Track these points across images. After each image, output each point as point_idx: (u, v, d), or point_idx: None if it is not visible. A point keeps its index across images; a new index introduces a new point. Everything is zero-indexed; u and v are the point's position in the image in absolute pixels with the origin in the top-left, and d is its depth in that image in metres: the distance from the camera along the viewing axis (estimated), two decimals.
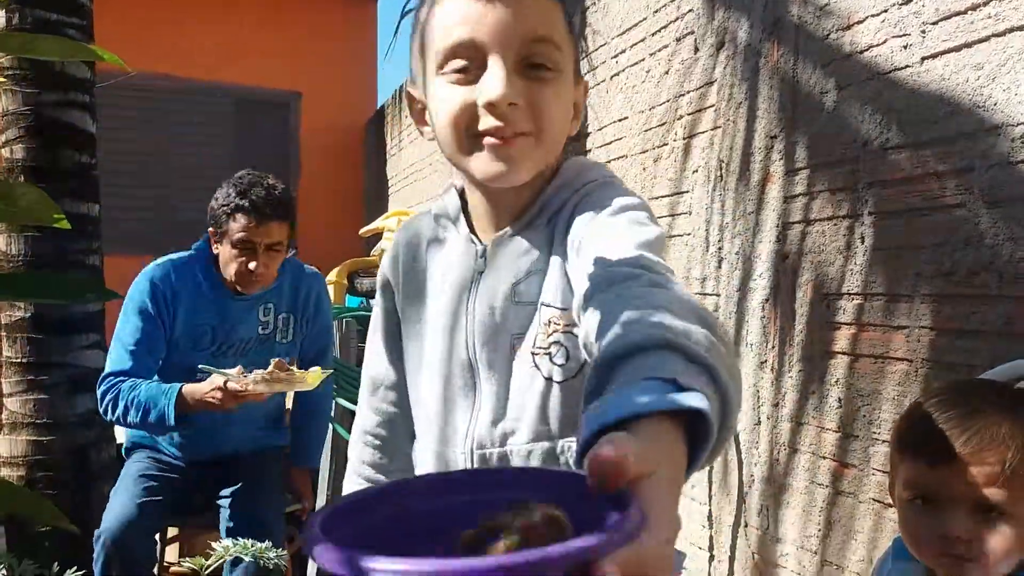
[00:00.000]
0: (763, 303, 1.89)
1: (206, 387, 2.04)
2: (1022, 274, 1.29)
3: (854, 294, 1.63)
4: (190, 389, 2.06)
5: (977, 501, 0.89)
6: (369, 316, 3.48)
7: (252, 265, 2.19)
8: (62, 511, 0.95)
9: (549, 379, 0.89)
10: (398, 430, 1.09)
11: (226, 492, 2.28)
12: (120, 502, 2.14)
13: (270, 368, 2.01)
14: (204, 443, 2.30)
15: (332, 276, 4.17)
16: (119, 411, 2.10)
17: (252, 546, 1.03)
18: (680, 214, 2.23)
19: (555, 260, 0.90)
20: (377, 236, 4.55)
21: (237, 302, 2.27)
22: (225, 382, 2.00)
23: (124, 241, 4.87)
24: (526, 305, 0.91)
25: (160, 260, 2.29)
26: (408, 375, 1.05)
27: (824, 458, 1.71)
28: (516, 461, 0.90)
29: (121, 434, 2.69)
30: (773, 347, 1.86)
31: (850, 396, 1.64)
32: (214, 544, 1.09)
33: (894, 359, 1.53)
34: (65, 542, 2.25)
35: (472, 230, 0.99)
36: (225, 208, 2.19)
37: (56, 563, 1.14)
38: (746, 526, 1.96)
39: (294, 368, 2.06)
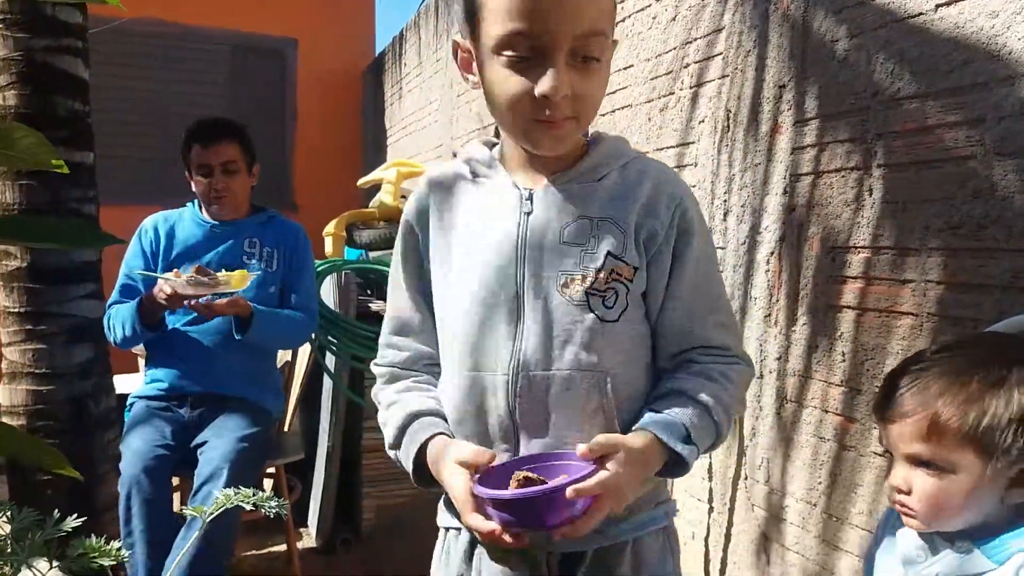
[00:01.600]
0: (769, 256, 1.87)
1: (155, 289, 2.34)
2: None
3: (861, 248, 1.61)
4: (147, 296, 2.38)
5: (909, 455, 0.97)
6: (368, 269, 3.48)
7: (212, 183, 2.53)
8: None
9: (600, 318, 1.01)
10: (425, 366, 1.17)
11: (203, 437, 2.43)
12: (136, 450, 2.32)
13: (189, 273, 2.29)
14: (196, 374, 2.52)
15: (331, 228, 4.13)
16: (112, 331, 2.45)
17: (254, 495, 1.03)
18: (686, 165, 2.20)
19: (611, 219, 1.03)
20: (376, 188, 4.50)
21: (221, 229, 2.60)
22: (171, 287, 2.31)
23: (119, 191, 4.81)
24: (571, 246, 1.03)
25: (157, 212, 2.69)
26: (437, 309, 1.13)
27: (827, 412, 1.71)
28: (557, 383, 1.02)
29: (121, 386, 2.72)
30: (777, 300, 1.85)
31: (855, 350, 1.63)
32: (215, 492, 1.09)
33: (900, 313, 1.52)
34: (66, 491, 2.27)
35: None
36: (184, 148, 2.57)
37: (56, 511, 1.14)
38: (746, 479, 1.97)
39: (217, 274, 2.31)
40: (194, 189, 2.62)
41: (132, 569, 2.19)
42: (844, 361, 1.66)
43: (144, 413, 2.48)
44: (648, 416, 1.00)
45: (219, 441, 2.34)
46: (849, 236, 1.64)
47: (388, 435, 1.14)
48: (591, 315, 1.01)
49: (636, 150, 1.11)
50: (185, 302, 2.30)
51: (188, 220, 2.64)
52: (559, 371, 1.02)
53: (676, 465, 1.00)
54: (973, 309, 1.38)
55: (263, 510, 1.12)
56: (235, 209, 2.61)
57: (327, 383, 3.21)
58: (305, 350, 3.04)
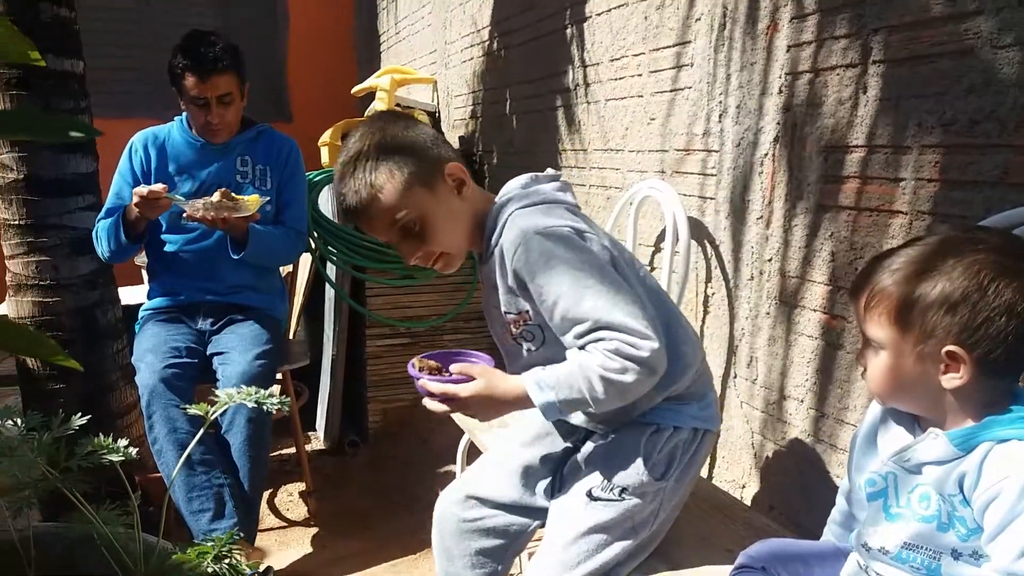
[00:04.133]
0: (763, 157, 1.87)
1: (135, 198, 2.29)
2: None
3: (855, 147, 1.61)
4: (128, 208, 2.37)
5: (864, 334, 1.05)
6: None
7: (208, 117, 2.48)
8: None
9: (530, 348, 1.49)
10: None
11: (220, 346, 2.48)
12: (150, 364, 2.34)
13: (216, 197, 2.28)
14: (203, 287, 2.57)
15: (326, 137, 4.10)
16: (99, 244, 2.42)
17: (255, 393, 1.06)
18: (683, 66, 2.16)
19: (501, 284, 1.44)
20: (371, 96, 4.43)
21: (211, 148, 2.57)
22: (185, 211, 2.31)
23: (111, 104, 4.75)
24: (495, 308, 1.50)
25: (145, 129, 2.61)
26: None
27: (815, 311, 1.74)
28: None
29: (126, 297, 2.75)
30: (770, 202, 1.85)
31: (844, 249, 1.65)
32: (218, 392, 1.13)
33: (890, 212, 1.53)
34: (78, 400, 2.33)
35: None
36: (174, 70, 2.45)
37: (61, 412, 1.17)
38: (735, 377, 2.02)
39: (236, 196, 2.34)
40: (185, 111, 2.56)
41: (165, 470, 2.27)
42: (832, 260, 1.68)
43: (154, 327, 2.50)
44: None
45: (239, 357, 2.38)
46: (844, 135, 1.64)
47: None
48: (524, 349, 1.50)
49: (510, 206, 1.44)
50: (197, 217, 2.29)
51: (178, 138, 2.59)
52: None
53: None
54: (962, 206, 1.39)
55: (266, 407, 1.16)
56: (229, 134, 2.58)
57: (329, 292, 3.25)
58: (306, 260, 3.06)
